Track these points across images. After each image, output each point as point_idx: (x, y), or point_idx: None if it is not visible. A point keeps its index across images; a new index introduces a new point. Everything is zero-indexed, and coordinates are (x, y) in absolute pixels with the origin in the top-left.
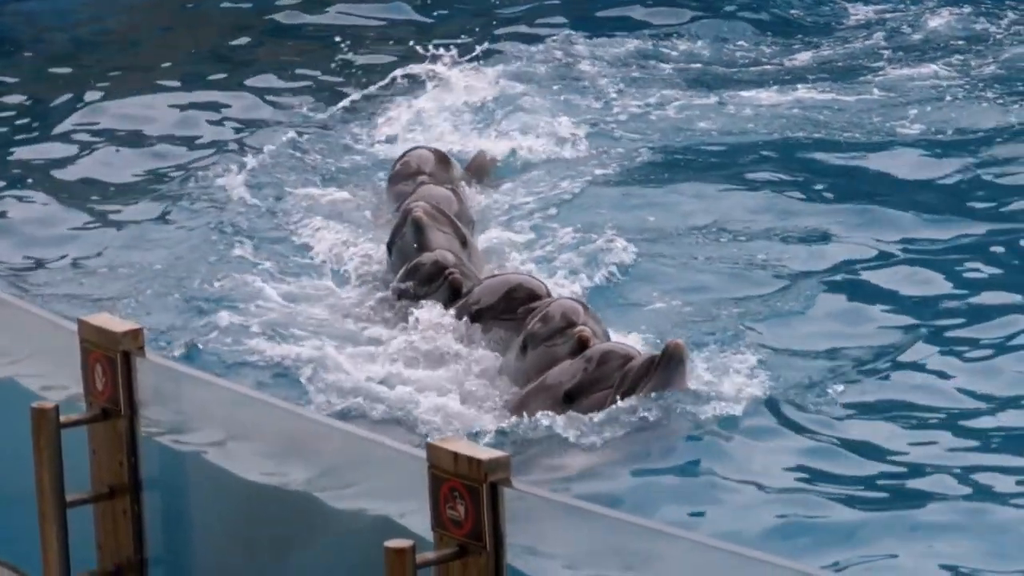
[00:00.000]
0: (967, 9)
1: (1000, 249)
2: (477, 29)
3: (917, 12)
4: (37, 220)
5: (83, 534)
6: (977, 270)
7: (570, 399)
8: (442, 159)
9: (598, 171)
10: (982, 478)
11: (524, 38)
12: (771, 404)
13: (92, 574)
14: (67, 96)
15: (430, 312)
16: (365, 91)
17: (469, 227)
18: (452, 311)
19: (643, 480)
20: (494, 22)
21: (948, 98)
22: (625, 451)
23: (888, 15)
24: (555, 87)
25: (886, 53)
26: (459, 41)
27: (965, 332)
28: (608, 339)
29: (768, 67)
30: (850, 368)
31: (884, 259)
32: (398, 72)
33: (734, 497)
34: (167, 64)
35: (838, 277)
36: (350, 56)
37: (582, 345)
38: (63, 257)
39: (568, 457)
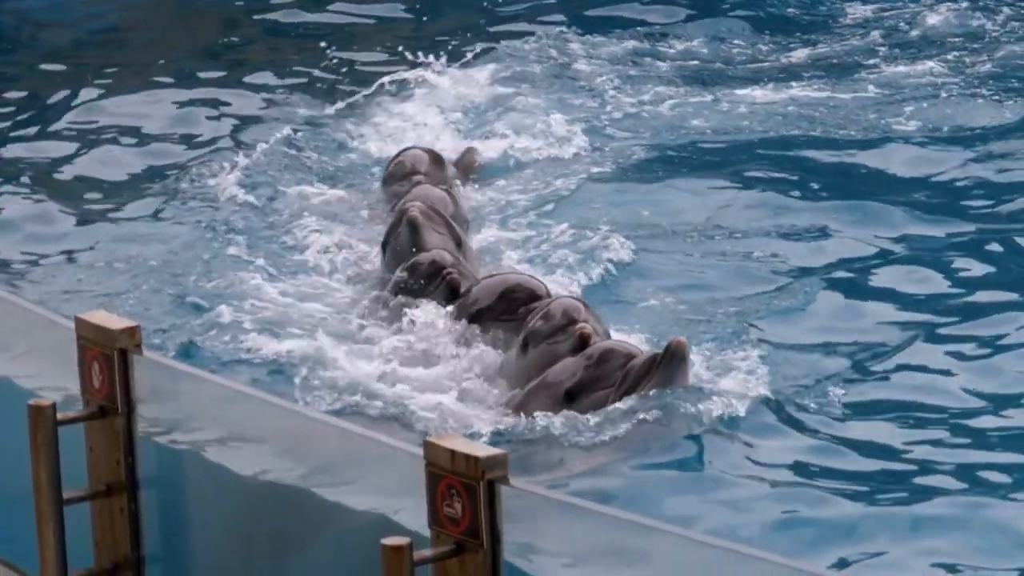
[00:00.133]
0: (963, 5)
1: (997, 245)
2: (472, 28)
3: (913, 9)
4: (33, 217)
5: (80, 532)
6: (974, 267)
7: (571, 397)
8: (436, 159)
9: (594, 169)
10: (981, 476)
11: (519, 36)
12: (771, 401)
13: (89, 572)
14: (63, 93)
15: (427, 311)
16: (360, 89)
17: (464, 227)
18: (450, 311)
19: (644, 478)
20: (489, 21)
21: (944, 95)
22: (625, 449)
23: (884, 13)
24: (550, 85)
25: (882, 50)
26: (454, 39)
27: (963, 329)
28: (609, 338)
29: (764, 64)
30: (850, 365)
31: (879, 256)
32: (393, 70)
33: (734, 495)
34: (163, 62)
35: (835, 274)
36: (345, 54)
37: (583, 342)
38: (59, 254)
39: (568, 455)
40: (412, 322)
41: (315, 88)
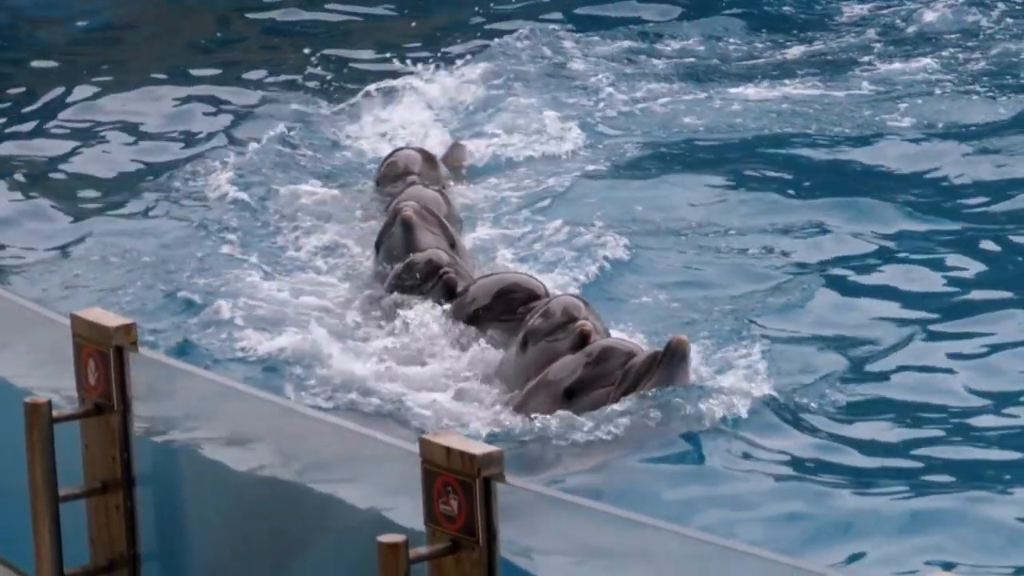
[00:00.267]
0: (959, 2)
1: (991, 242)
2: (465, 26)
3: (909, 7)
4: (28, 215)
5: (76, 529)
6: (969, 263)
7: (571, 395)
8: (429, 159)
9: (588, 167)
10: (980, 473)
11: (513, 35)
12: (771, 399)
13: (85, 569)
14: (58, 91)
15: (423, 310)
16: (354, 87)
17: (456, 227)
18: (446, 310)
19: (644, 476)
20: (483, 19)
21: (939, 92)
22: (626, 447)
23: (880, 11)
24: (543, 83)
25: (877, 47)
26: (447, 38)
27: (958, 326)
28: (608, 336)
29: (759, 61)
30: (847, 362)
31: (873, 252)
32: (387, 69)
33: (734, 492)
34: (157, 59)
35: (830, 271)
36: (339, 52)
37: (583, 339)
38: (54, 251)
39: (568, 453)
40: (408, 321)
41: (309, 86)
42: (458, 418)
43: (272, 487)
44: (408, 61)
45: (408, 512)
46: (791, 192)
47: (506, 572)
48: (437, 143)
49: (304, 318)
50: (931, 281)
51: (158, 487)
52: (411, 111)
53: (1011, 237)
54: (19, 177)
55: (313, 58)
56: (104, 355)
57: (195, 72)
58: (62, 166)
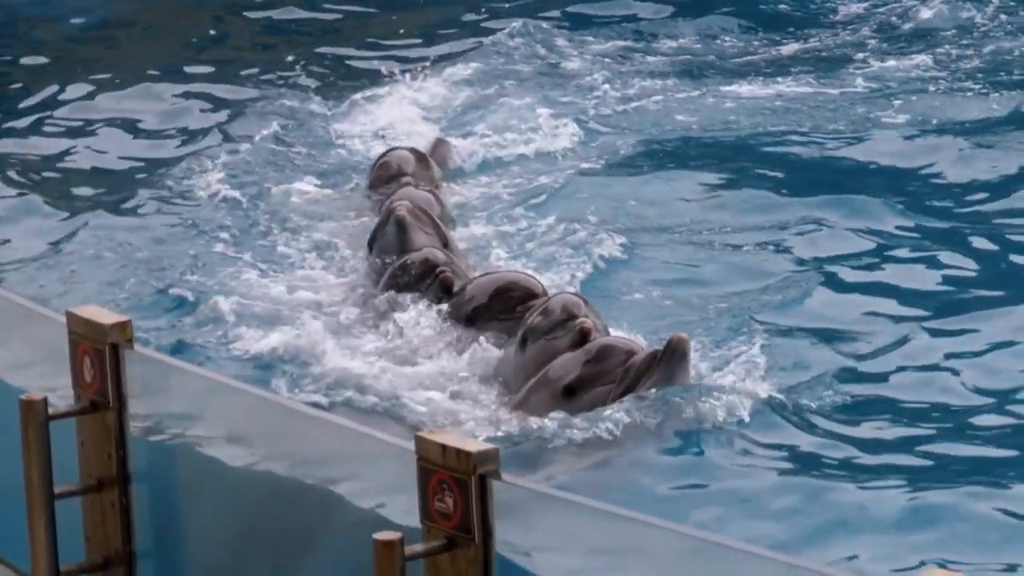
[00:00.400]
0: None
1: (985, 239)
2: (459, 24)
3: (904, 4)
4: (23, 212)
5: (71, 526)
6: (963, 260)
7: (570, 393)
8: (421, 159)
9: (581, 164)
10: (979, 470)
11: (506, 32)
12: (770, 397)
13: (80, 567)
14: (53, 88)
15: (419, 309)
16: (348, 86)
17: (449, 227)
18: (443, 309)
19: (644, 474)
20: (476, 16)
21: (933, 89)
22: (626, 445)
23: (874, 8)
24: (536, 81)
25: (871, 44)
26: (441, 36)
27: (953, 323)
28: (608, 334)
29: (753, 59)
30: (846, 360)
31: (868, 249)
32: (381, 67)
33: (732, 490)
34: (152, 57)
35: (825, 268)
36: (333, 51)
37: (583, 337)
38: (50, 249)
39: (568, 451)
40: (404, 320)
41: (302, 84)
42: (455, 416)
43: (268, 484)
44: (402, 59)
45: (404, 509)
46: (786, 189)
47: (502, 569)
48: (427, 141)
49: (298, 315)
50: (926, 278)
51: (154, 484)
52: (404, 109)
53: (1006, 233)
54: (14, 175)
55: (307, 56)
56: (100, 352)
57: (189, 70)
58: (57, 163)
